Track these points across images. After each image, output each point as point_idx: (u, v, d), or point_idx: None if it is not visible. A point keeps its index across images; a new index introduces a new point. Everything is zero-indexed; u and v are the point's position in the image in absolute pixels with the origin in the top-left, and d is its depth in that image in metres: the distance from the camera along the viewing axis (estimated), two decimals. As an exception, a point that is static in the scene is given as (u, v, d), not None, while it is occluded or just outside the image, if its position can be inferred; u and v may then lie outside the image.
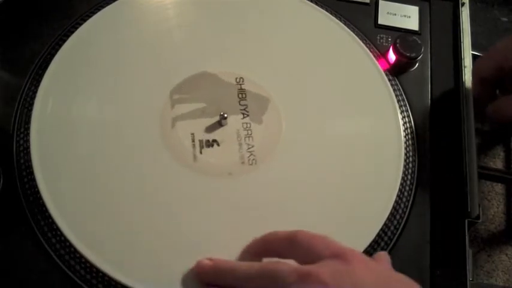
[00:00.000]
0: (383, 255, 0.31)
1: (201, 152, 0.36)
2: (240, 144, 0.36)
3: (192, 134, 0.36)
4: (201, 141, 0.36)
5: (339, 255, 0.27)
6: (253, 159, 0.36)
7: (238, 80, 0.39)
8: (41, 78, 0.36)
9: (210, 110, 0.37)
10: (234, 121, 0.37)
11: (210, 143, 0.36)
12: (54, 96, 0.36)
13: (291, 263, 0.27)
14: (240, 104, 0.38)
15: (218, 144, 0.36)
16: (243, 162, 0.36)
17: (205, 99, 0.38)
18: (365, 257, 0.28)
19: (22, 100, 0.37)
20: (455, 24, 0.45)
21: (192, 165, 0.35)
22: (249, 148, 0.36)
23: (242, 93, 0.38)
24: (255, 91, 0.39)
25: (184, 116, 0.37)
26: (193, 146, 0.36)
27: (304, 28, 0.43)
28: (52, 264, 0.31)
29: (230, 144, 0.36)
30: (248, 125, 0.37)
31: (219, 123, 0.37)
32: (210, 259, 0.30)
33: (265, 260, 0.30)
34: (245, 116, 0.37)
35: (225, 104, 0.38)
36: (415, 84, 0.42)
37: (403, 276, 0.28)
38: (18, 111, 0.36)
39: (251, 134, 0.37)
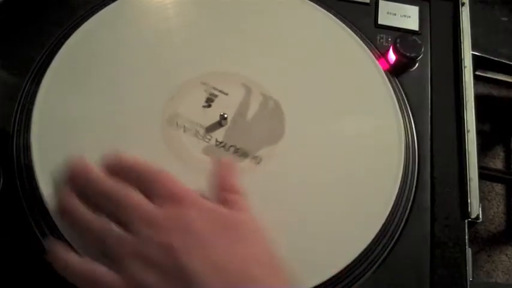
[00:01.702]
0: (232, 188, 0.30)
1: (202, 152, 0.36)
2: (241, 145, 0.36)
3: (193, 133, 0.36)
4: (193, 130, 0.36)
5: (176, 197, 0.27)
6: (254, 159, 0.36)
7: (238, 80, 0.39)
8: (41, 78, 0.37)
9: (211, 109, 0.37)
10: (235, 121, 0.37)
11: (201, 135, 0.36)
12: (54, 96, 0.36)
13: None
14: (240, 104, 0.38)
15: (219, 144, 0.36)
16: (244, 162, 0.36)
17: (206, 99, 0.38)
18: (200, 198, 0.28)
19: (22, 100, 0.37)
20: (455, 24, 0.45)
21: (193, 165, 0.35)
22: (249, 148, 0.36)
23: (242, 93, 0.38)
24: (255, 91, 0.38)
25: (185, 115, 0.37)
26: (194, 145, 0.36)
27: (304, 28, 0.43)
28: (52, 264, 0.31)
29: (230, 144, 0.36)
30: (249, 125, 0.37)
31: (219, 123, 0.37)
32: (83, 159, 0.29)
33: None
34: (225, 102, 0.37)
35: (225, 104, 0.38)
36: (415, 84, 0.42)
37: (243, 220, 0.28)
38: (18, 111, 0.36)
39: (254, 122, 0.37)
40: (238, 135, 0.37)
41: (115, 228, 0.27)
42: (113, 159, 0.29)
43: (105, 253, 0.27)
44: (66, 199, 0.29)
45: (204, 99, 0.38)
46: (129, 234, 0.27)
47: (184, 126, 0.36)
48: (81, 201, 0.29)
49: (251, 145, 0.36)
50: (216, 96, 0.38)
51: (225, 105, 0.38)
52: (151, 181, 0.28)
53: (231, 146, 0.36)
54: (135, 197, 0.28)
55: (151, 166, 0.29)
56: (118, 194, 0.28)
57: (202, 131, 0.36)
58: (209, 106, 0.38)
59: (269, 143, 0.37)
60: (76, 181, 0.29)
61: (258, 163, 0.36)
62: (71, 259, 0.27)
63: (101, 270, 0.27)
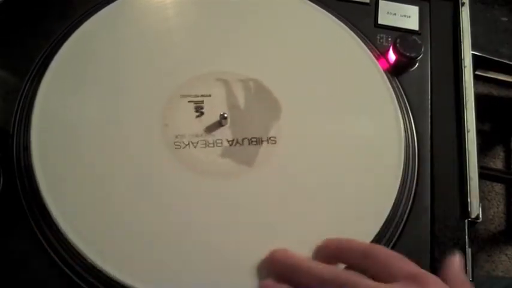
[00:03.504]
0: (459, 277, 0.29)
1: (202, 152, 0.36)
2: (241, 145, 0.36)
3: (193, 133, 0.36)
4: (201, 141, 0.36)
5: (415, 277, 0.26)
6: (270, 141, 0.36)
7: (238, 80, 0.39)
8: (41, 78, 0.36)
9: (205, 116, 0.37)
10: (231, 115, 0.37)
11: (211, 143, 0.36)
12: (54, 95, 0.36)
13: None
14: (227, 98, 0.38)
15: (232, 143, 0.36)
16: (263, 147, 0.36)
17: (206, 99, 0.38)
18: (440, 281, 0.27)
19: (22, 100, 0.37)
20: (455, 24, 0.45)
21: (193, 165, 0.35)
22: (260, 133, 0.36)
23: (243, 92, 0.38)
24: (255, 90, 0.38)
25: (186, 115, 0.37)
26: (194, 145, 0.36)
27: (304, 28, 0.43)
28: (52, 264, 0.31)
29: (242, 137, 0.36)
30: (246, 113, 0.37)
31: (220, 123, 0.37)
32: (286, 250, 0.29)
33: (340, 266, 0.29)
34: (238, 106, 0.37)
35: (214, 105, 0.38)
36: (415, 84, 0.42)
37: None
38: (18, 111, 0.36)
39: (250, 110, 0.37)
40: (243, 127, 0.37)
41: None
42: (322, 244, 0.28)
43: None
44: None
45: (193, 110, 0.37)
46: None
47: (191, 143, 0.36)
48: None
49: (260, 130, 0.37)
50: (201, 102, 0.38)
51: (215, 106, 0.37)
52: (381, 261, 0.27)
53: (243, 139, 0.36)
54: (363, 279, 0.26)
55: (373, 246, 0.28)
56: (342, 279, 0.26)
57: (210, 139, 0.36)
58: (202, 114, 0.37)
59: (274, 119, 0.37)
60: (280, 268, 0.28)
61: (275, 143, 0.36)
62: None
63: None
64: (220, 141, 0.36)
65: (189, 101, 0.37)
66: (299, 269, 0.27)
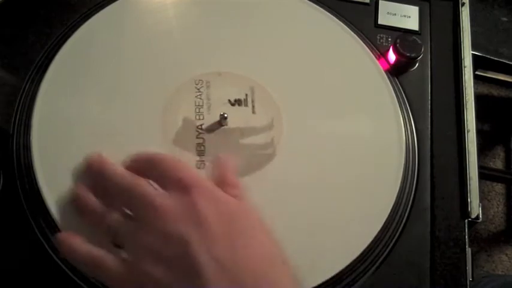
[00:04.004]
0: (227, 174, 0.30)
1: (204, 153, 0.36)
2: (241, 145, 0.36)
3: (193, 133, 0.36)
4: (192, 125, 0.36)
5: (186, 184, 0.27)
6: (254, 160, 0.36)
7: (238, 80, 0.39)
8: (42, 78, 0.36)
9: (211, 109, 0.37)
10: (235, 121, 0.37)
11: (198, 131, 0.36)
12: (54, 95, 0.36)
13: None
14: (239, 103, 0.38)
15: (205, 138, 0.36)
16: (244, 163, 0.36)
17: (206, 99, 0.38)
18: (212, 189, 0.28)
19: (22, 100, 0.37)
20: (455, 24, 0.45)
21: (193, 165, 0.35)
22: (249, 149, 0.36)
23: (243, 93, 0.38)
24: (272, 113, 0.38)
25: (186, 115, 0.37)
26: (196, 146, 0.36)
27: (304, 28, 0.43)
28: (52, 264, 0.31)
29: (231, 144, 0.36)
30: (249, 126, 0.37)
31: (220, 123, 0.37)
32: (100, 155, 0.31)
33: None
34: (247, 129, 0.37)
35: (237, 109, 0.38)
36: (415, 84, 0.42)
37: (252, 215, 0.28)
38: (18, 111, 0.36)
39: (251, 134, 0.37)
40: (217, 141, 0.36)
41: (121, 218, 0.28)
42: (134, 155, 0.30)
43: (112, 242, 0.28)
44: (78, 189, 0.30)
45: (194, 110, 0.37)
46: (137, 224, 0.27)
47: (201, 93, 0.37)
48: (96, 195, 0.30)
49: (213, 154, 0.35)
50: (246, 106, 0.38)
51: (242, 117, 0.37)
52: (164, 169, 0.29)
53: (202, 138, 0.36)
54: (144, 186, 0.28)
55: (167, 155, 0.29)
56: (128, 184, 0.28)
57: (203, 109, 0.37)
58: (233, 105, 0.38)
59: (269, 143, 0.36)
60: (90, 173, 0.30)
61: (199, 168, 0.35)
62: (77, 242, 0.28)
63: (107, 256, 0.27)
64: (207, 136, 0.36)
65: (189, 101, 0.37)
66: (106, 172, 0.30)
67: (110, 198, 0.29)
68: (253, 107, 0.38)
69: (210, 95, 0.38)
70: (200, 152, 0.36)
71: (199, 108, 0.37)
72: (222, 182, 0.29)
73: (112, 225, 0.28)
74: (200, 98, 0.37)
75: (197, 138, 0.36)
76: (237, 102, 0.38)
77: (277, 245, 0.28)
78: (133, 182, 0.28)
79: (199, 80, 0.38)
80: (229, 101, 0.38)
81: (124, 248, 0.27)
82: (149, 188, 0.28)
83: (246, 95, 0.38)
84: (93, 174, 0.31)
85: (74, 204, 0.30)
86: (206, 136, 0.36)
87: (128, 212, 0.29)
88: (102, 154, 0.31)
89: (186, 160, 0.35)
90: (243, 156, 0.36)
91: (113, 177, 0.29)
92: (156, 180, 0.29)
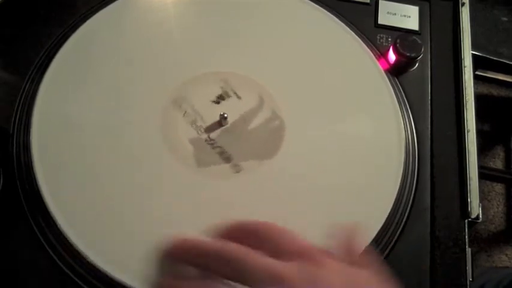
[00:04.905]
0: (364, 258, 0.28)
1: (201, 152, 0.36)
2: (229, 149, 0.36)
3: (190, 121, 0.36)
4: (201, 141, 0.36)
5: (309, 254, 0.25)
6: (235, 167, 0.36)
7: (255, 88, 0.39)
8: (42, 78, 0.37)
9: (218, 106, 0.37)
10: (235, 120, 0.37)
11: (211, 143, 0.36)
12: (54, 95, 0.36)
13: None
14: (238, 104, 0.38)
15: (208, 140, 0.36)
16: (244, 163, 0.36)
17: (193, 112, 0.38)
18: (336, 260, 0.26)
19: (22, 100, 0.37)
20: (455, 24, 0.45)
21: (193, 165, 0.35)
22: (235, 156, 0.36)
23: (254, 102, 0.38)
24: (267, 105, 0.38)
25: (186, 115, 0.37)
26: (194, 145, 0.36)
27: (304, 28, 0.43)
28: (52, 264, 0.31)
29: (219, 144, 0.36)
30: (245, 134, 0.37)
31: (219, 123, 0.37)
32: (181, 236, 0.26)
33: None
34: (245, 115, 0.37)
35: (233, 107, 0.38)
36: (415, 84, 0.42)
37: (377, 280, 0.27)
38: (18, 111, 0.36)
39: (252, 133, 0.37)
40: (230, 140, 0.36)
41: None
42: (220, 226, 0.27)
43: None
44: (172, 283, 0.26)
45: (216, 95, 0.38)
46: None
47: (185, 111, 0.37)
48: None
49: (238, 153, 0.36)
50: (229, 96, 0.38)
51: (233, 108, 0.37)
52: (274, 238, 0.26)
53: (218, 146, 0.36)
54: (257, 254, 0.25)
55: (266, 223, 0.26)
56: (237, 254, 0.25)
57: (199, 122, 0.37)
58: (218, 103, 0.38)
59: (257, 157, 0.36)
60: (176, 256, 0.26)
61: (237, 172, 0.35)
62: None
63: None
64: (202, 131, 0.36)
65: (181, 124, 0.37)
66: (197, 247, 0.26)
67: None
68: (235, 94, 0.38)
69: (194, 106, 0.37)
70: (227, 159, 0.36)
71: (194, 124, 0.37)
72: (346, 250, 0.28)
73: None
74: (188, 115, 0.37)
75: (214, 148, 0.36)
76: (220, 98, 0.38)
77: None
78: (243, 251, 0.24)
79: (174, 100, 0.38)
80: (213, 101, 0.38)
81: None
82: (265, 257, 0.24)
83: (222, 87, 0.38)
84: (180, 256, 0.26)
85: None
86: (219, 142, 0.36)
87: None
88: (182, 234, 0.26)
89: (222, 173, 0.35)
90: (260, 138, 0.37)
91: (212, 248, 0.25)
92: (268, 251, 0.25)
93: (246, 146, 0.36)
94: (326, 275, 0.25)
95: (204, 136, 0.36)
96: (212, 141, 0.36)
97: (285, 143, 0.36)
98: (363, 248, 0.29)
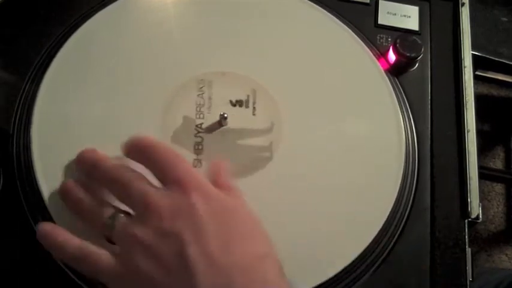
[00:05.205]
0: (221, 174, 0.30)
1: (202, 152, 0.36)
2: (239, 146, 0.36)
3: (192, 132, 0.36)
4: (192, 123, 0.36)
5: (183, 182, 0.27)
6: (253, 161, 0.36)
7: (237, 80, 0.39)
8: (42, 78, 0.36)
9: (212, 109, 0.37)
10: (235, 122, 0.37)
11: (197, 130, 0.36)
12: (55, 95, 0.36)
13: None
14: (240, 104, 0.38)
15: (203, 137, 0.36)
16: (243, 164, 0.36)
17: (208, 98, 0.38)
18: (207, 187, 0.28)
19: (22, 100, 0.37)
20: (455, 24, 0.45)
21: (192, 165, 0.35)
22: (247, 151, 0.36)
23: (245, 94, 0.38)
24: (272, 116, 0.38)
25: (186, 115, 0.37)
26: (194, 145, 0.36)
27: (303, 28, 0.43)
28: (52, 264, 0.31)
29: (229, 144, 0.36)
30: (248, 127, 0.37)
31: (220, 123, 0.37)
32: (93, 149, 0.31)
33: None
34: (245, 131, 0.37)
35: (238, 110, 0.38)
36: (415, 84, 0.42)
37: (245, 212, 0.28)
38: (18, 111, 0.36)
39: (250, 136, 0.37)
40: (214, 140, 0.36)
41: (116, 213, 0.28)
42: (131, 140, 0.30)
43: (105, 237, 0.28)
44: (69, 184, 0.30)
45: (194, 110, 0.37)
46: (132, 219, 0.27)
47: (202, 93, 0.37)
48: (88, 190, 0.30)
49: (210, 154, 0.36)
50: (247, 107, 0.38)
51: (242, 118, 0.37)
52: (162, 164, 0.28)
53: (200, 137, 0.36)
54: (141, 182, 0.28)
55: (167, 148, 0.29)
56: (124, 178, 0.28)
57: (204, 109, 0.37)
58: (233, 106, 0.38)
59: (269, 143, 0.36)
60: (83, 165, 0.30)
61: (195, 167, 0.35)
62: (65, 237, 0.28)
63: (98, 250, 0.27)
64: (206, 135, 0.36)
65: (190, 100, 0.37)
66: (100, 164, 0.30)
67: (103, 192, 0.29)
68: (254, 109, 0.38)
69: (212, 94, 0.38)
70: (198, 151, 0.36)
71: (200, 108, 0.37)
72: (215, 183, 0.29)
73: (106, 220, 0.28)
74: (202, 98, 0.37)
75: (195, 136, 0.36)
76: (238, 103, 0.38)
77: (267, 241, 0.28)
78: (129, 177, 0.28)
79: (202, 79, 0.38)
80: (231, 101, 0.38)
81: (117, 242, 0.27)
82: (146, 185, 0.28)
83: (248, 96, 0.38)
84: (86, 168, 0.30)
85: (64, 198, 0.30)
86: (205, 135, 0.36)
87: (122, 207, 0.29)
88: (96, 148, 0.31)
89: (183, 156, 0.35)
90: (240, 157, 0.36)
91: (108, 171, 0.29)
92: (153, 173, 0.29)
93: (222, 153, 0.36)
94: (199, 204, 0.27)
95: (198, 121, 0.36)
96: (199, 130, 0.36)
97: (256, 176, 0.35)
98: (230, 183, 0.30)
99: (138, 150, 0.30)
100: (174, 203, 0.27)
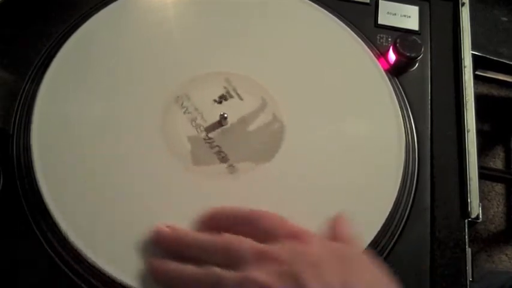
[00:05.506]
0: (346, 234, 0.30)
1: (199, 150, 0.36)
2: (226, 149, 0.36)
3: (190, 119, 0.36)
4: (200, 139, 0.36)
5: (296, 235, 0.27)
6: (230, 167, 0.36)
7: (258, 91, 0.39)
8: (42, 78, 0.37)
9: (204, 116, 0.37)
10: (231, 115, 0.37)
11: (209, 142, 0.36)
12: (55, 95, 0.36)
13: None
14: (225, 98, 0.38)
15: (207, 139, 0.36)
16: (239, 164, 0.36)
17: (194, 110, 0.38)
18: (323, 238, 0.28)
19: (22, 100, 0.37)
20: (455, 24, 0.45)
21: (193, 165, 0.35)
22: (232, 156, 0.36)
23: (256, 104, 0.38)
24: (269, 108, 0.38)
25: (186, 115, 0.37)
26: (192, 143, 0.36)
27: (304, 28, 0.43)
28: (52, 264, 0.31)
29: (218, 144, 0.36)
30: (245, 136, 0.37)
31: (220, 123, 0.37)
32: (169, 226, 0.29)
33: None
34: (246, 116, 0.37)
35: (227, 104, 0.38)
36: (415, 84, 0.42)
37: (364, 257, 0.28)
38: (19, 111, 0.36)
39: (253, 119, 0.37)
40: (228, 140, 0.36)
41: (223, 270, 0.26)
42: (205, 214, 0.29)
43: None
44: (156, 262, 0.28)
45: (218, 95, 0.38)
46: (245, 269, 0.25)
47: (186, 109, 0.37)
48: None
49: (235, 154, 0.36)
50: (231, 97, 0.38)
51: (235, 109, 0.37)
52: (263, 224, 0.27)
53: (217, 145, 0.36)
54: (244, 239, 0.26)
55: (247, 209, 0.28)
56: (224, 243, 0.26)
57: (200, 121, 0.37)
58: (220, 103, 0.38)
59: (253, 160, 0.36)
60: (166, 245, 0.28)
61: (232, 173, 0.35)
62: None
63: None
64: (201, 130, 0.36)
65: (181, 120, 0.37)
66: (184, 242, 0.28)
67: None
68: (238, 95, 0.38)
69: (195, 104, 0.37)
70: (223, 159, 0.35)
71: (194, 122, 0.37)
72: (337, 238, 0.29)
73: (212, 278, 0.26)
74: (189, 112, 0.37)
75: (212, 148, 0.36)
76: (222, 98, 0.38)
77: (385, 283, 0.28)
78: (229, 239, 0.27)
79: (177, 97, 0.38)
80: (215, 100, 0.38)
81: None
82: (253, 241, 0.26)
83: (225, 87, 0.38)
84: (167, 247, 0.29)
85: (153, 270, 0.28)
86: (218, 142, 0.36)
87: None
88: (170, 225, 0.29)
89: (216, 171, 0.35)
90: (259, 140, 0.36)
91: (199, 240, 0.27)
92: (258, 237, 0.27)
93: (243, 147, 0.36)
94: (315, 250, 0.26)
95: (203, 134, 0.36)
96: (210, 140, 0.36)
97: (283, 146, 0.36)
98: (352, 238, 0.30)
99: (219, 218, 0.28)
100: (292, 249, 0.26)
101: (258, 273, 0.25)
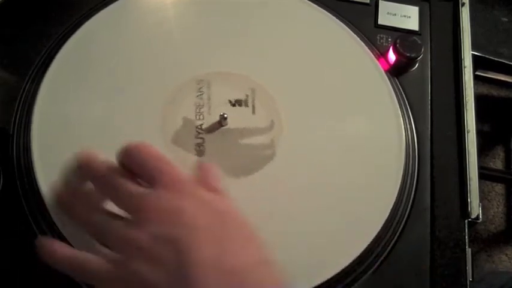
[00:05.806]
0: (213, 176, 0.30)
1: (204, 153, 0.36)
2: (241, 145, 0.36)
3: (193, 133, 0.36)
4: (192, 124, 0.36)
5: (174, 185, 0.27)
6: (256, 159, 0.36)
7: (273, 105, 0.39)
8: (42, 78, 0.37)
9: (211, 110, 0.37)
10: (235, 121, 0.37)
11: (198, 131, 0.36)
12: (55, 95, 0.36)
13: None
14: (240, 104, 0.38)
15: (204, 138, 0.36)
16: (242, 163, 0.36)
17: (207, 99, 0.38)
18: (201, 192, 0.28)
19: (22, 100, 0.37)
20: (455, 24, 0.45)
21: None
22: (249, 149, 0.36)
23: (259, 107, 0.38)
24: (270, 111, 0.38)
25: (185, 117, 0.37)
26: (194, 145, 0.36)
27: (304, 28, 0.43)
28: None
29: (230, 144, 0.36)
30: (248, 126, 0.37)
31: (220, 124, 0.37)
32: (88, 152, 0.30)
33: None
34: (246, 129, 0.37)
35: (237, 110, 0.38)
36: (415, 84, 0.42)
37: (238, 216, 0.28)
38: (19, 111, 0.36)
39: (251, 135, 0.37)
40: (216, 140, 0.36)
41: (109, 216, 0.28)
42: (125, 147, 0.29)
43: (99, 242, 0.28)
44: (62, 190, 0.29)
45: (194, 110, 0.37)
46: (126, 223, 0.27)
47: (201, 94, 0.37)
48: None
49: (212, 155, 0.36)
50: (246, 106, 0.38)
51: (242, 118, 0.37)
52: (151, 168, 0.28)
53: (202, 138, 0.36)
54: (130, 184, 0.28)
55: (155, 152, 0.29)
56: (114, 181, 0.28)
57: (204, 110, 0.37)
58: (233, 105, 0.38)
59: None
60: (81, 169, 0.30)
61: (256, 164, 0.35)
62: (62, 248, 0.28)
63: (92, 257, 0.27)
64: (207, 136, 0.36)
65: (189, 101, 0.37)
66: (91, 171, 0.29)
67: (97, 195, 0.29)
68: (253, 107, 0.38)
69: (211, 94, 0.38)
70: (199, 152, 0.36)
71: (199, 108, 0.37)
72: (204, 185, 0.29)
73: (100, 223, 0.28)
74: (201, 98, 0.37)
75: (196, 138, 0.36)
76: (238, 102, 0.38)
77: (260, 244, 0.28)
78: (119, 180, 0.28)
79: (201, 80, 0.38)
80: (230, 101, 0.38)
81: (111, 247, 0.27)
82: (135, 186, 0.28)
83: (247, 95, 0.38)
84: (81, 172, 0.30)
85: (59, 200, 0.30)
86: (206, 136, 0.36)
87: (115, 211, 0.28)
88: (92, 150, 0.30)
89: (185, 159, 0.35)
90: (242, 156, 0.36)
91: (100, 175, 0.29)
92: (141, 177, 0.28)
93: (223, 154, 0.36)
94: (190, 211, 0.27)
95: (198, 123, 0.36)
96: (200, 131, 0.36)
97: (258, 175, 0.35)
98: (219, 188, 0.30)
99: (126, 154, 0.29)
100: (167, 206, 0.27)
101: (134, 233, 0.26)
